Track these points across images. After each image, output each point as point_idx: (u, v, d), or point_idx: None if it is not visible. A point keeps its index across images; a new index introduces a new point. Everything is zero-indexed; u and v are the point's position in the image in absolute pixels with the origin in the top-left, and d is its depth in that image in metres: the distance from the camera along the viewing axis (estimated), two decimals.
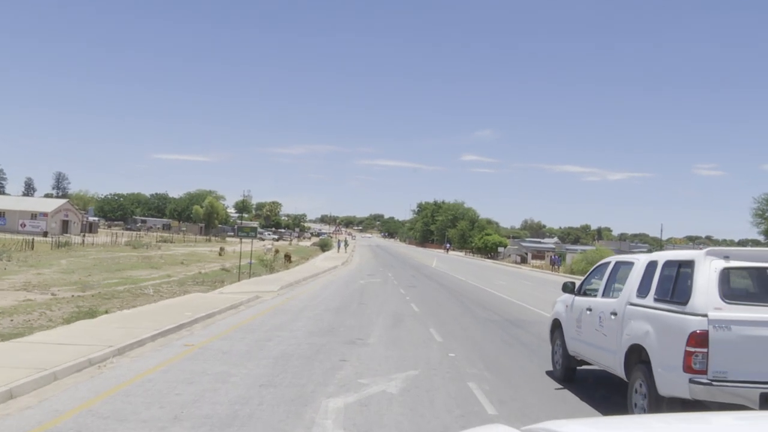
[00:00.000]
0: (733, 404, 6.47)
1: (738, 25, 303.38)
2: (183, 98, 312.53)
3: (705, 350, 6.51)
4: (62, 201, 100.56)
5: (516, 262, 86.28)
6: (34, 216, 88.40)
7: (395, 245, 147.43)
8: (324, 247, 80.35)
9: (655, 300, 7.50)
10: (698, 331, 6.54)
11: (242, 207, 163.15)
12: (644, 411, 7.21)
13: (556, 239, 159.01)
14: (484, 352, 12.21)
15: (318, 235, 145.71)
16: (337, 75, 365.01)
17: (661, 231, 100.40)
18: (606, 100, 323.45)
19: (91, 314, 16.74)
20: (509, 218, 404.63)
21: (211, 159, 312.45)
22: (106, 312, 17.21)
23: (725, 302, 6.68)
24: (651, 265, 8.00)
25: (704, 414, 3.48)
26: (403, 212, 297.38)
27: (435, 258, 75.60)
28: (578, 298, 9.88)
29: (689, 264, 7.16)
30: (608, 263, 9.56)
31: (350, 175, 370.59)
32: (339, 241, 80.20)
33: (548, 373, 10.69)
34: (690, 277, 6.99)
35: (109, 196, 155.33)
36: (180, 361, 9.89)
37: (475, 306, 21.69)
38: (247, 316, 15.87)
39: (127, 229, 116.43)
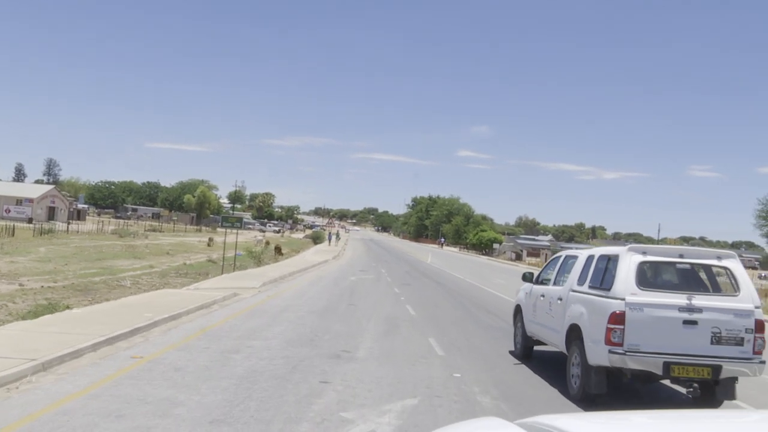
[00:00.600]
0: (644, 371, 7.97)
1: (735, 28, 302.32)
2: (178, 88, 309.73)
3: (622, 327, 7.87)
4: (49, 187, 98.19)
5: (511, 259, 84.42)
6: (19, 202, 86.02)
7: (389, 239, 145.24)
8: (316, 239, 78.33)
9: (590, 287, 8.88)
10: (617, 312, 7.92)
11: (235, 198, 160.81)
12: (578, 378, 8.58)
13: (550, 237, 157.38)
14: (496, 371, 10.19)
15: (311, 227, 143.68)
16: (334, 69, 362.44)
17: (659, 230, 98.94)
18: (601, 100, 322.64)
19: (51, 309, 14.88)
20: (503, 215, 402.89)
21: (205, 149, 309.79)
22: (68, 307, 15.33)
23: (640, 289, 8.03)
24: (589, 259, 9.38)
25: (703, 411, 3.47)
26: (398, 206, 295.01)
27: (429, 253, 73.66)
28: (535, 287, 11.30)
29: (615, 258, 8.53)
30: (560, 257, 11.05)
31: (345, 169, 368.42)
32: (330, 233, 78.01)
33: (510, 352, 12.04)
34: (615, 268, 8.36)
35: (100, 184, 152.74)
36: (118, 382, 7.84)
37: (476, 309, 19.69)
38: (218, 318, 13.79)
39: (117, 218, 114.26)
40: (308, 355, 10.23)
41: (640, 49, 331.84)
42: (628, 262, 8.28)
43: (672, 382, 8.54)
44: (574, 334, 8.96)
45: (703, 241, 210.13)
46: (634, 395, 9.16)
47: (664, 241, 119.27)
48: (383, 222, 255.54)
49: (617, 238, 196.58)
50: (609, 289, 8.27)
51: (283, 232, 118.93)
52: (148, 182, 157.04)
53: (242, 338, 11.39)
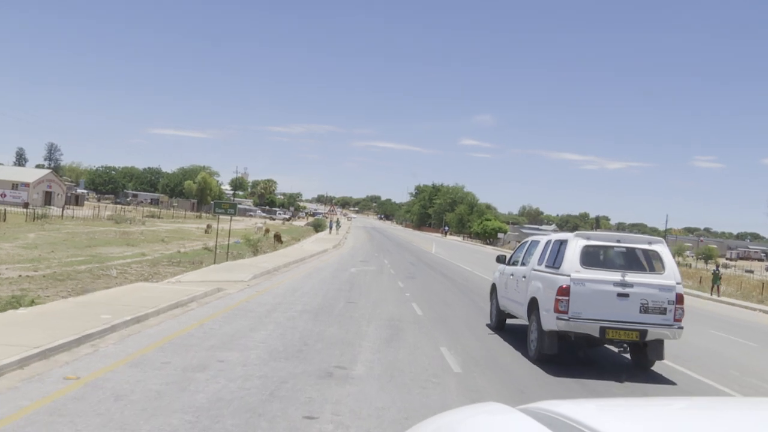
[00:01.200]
0: (585, 334, 9.72)
1: (739, 17, 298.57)
2: (182, 74, 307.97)
3: (567, 298, 9.58)
4: (45, 171, 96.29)
5: None
6: (15, 186, 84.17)
7: (391, 228, 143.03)
8: (318, 227, 76.38)
9: (546, 266, 10.46)
10: (564, 286, 9.63)
11: (237, 184, 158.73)
12: (535, 342, 10.25)
13: (554, 226, 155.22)
14: (528, 393, 8.19)
15: (313, 214, 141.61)
16: (338, 55, 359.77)
17: (666, 221, 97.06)
18: (605, 89, 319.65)
19: (15, 304, 13.03)
20: (507, 204, 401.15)
21: (209, 136, 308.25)
22: (33, 302, 13.45)
23: (583, 267, 9.73)
24: (548, 243, 10.96)
25: (697, 398, 3.66)
26: (401, 194, 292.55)
27: (433, 243, 71.66)
28: (507, 267, 13.00)
29: (565, 242, 10.17)
30: (527, 241, 12.71)
31: (348, 156, 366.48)
32: (331, 221, 75.98)
33: (487, 325, 13.84)
34: (564, 250, 9.99)
35: (101, 169, 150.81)
36: (29, 420, 5.82)
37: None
38: (193, 320, 11.73)
39: (116, 203, 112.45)
40: (293, 373, 8.20)
41: (643, 38, 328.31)
42: (575, 245, 9.93)
43: (607, 344, 10.24)
44: (533, 305, 10.57)
45: (708, 232, 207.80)
46: (585, 358, 10.87)
47: (668, 231, 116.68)
48: (386, 210, 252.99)
49: (621, 229, 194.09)
50: (558, 268, 9.92)
51: (287, 219, 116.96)
52: (149, 168, 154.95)
53: (215, 348, 9.36)
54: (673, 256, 10.10)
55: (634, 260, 10.20)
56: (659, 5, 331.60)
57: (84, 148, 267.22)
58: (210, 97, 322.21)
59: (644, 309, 9.53)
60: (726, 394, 9.29)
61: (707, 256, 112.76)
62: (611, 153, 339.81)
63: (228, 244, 30.21)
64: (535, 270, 10.90)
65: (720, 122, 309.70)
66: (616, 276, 9.62)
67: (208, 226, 57.60)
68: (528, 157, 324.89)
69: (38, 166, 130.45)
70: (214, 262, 25.13)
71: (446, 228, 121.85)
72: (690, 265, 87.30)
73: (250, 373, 8.05)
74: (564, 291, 9.54)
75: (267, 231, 53.47)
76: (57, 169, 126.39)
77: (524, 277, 11.38)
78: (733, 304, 28.30)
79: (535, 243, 11.82)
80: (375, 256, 38.71)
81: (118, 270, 21.73)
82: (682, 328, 9.67)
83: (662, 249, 10.10)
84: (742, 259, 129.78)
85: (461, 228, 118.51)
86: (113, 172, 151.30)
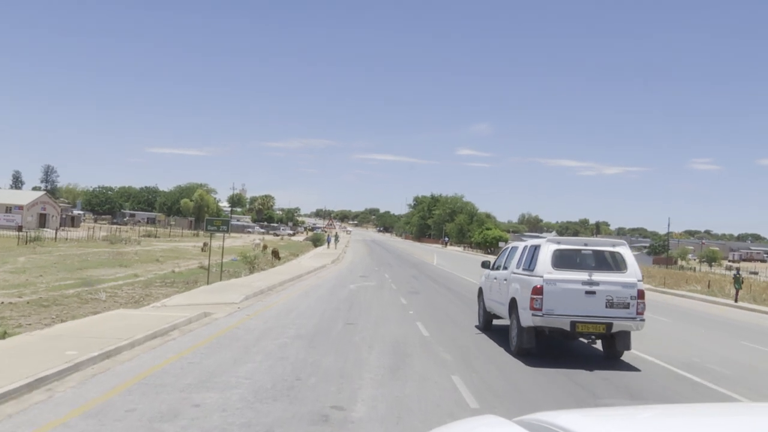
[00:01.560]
0: (558, 328, 10.80)
1: (735, 19, 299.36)
2: (178, 92, 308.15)
3: (541, 297, 10.64)
4: (39, 193, 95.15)
5: None
6: (8, 209, 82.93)
7: (391, 240, 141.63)
8: (316, 242, 75.22)
9: (523, 269, 11.69)
10: (538, 286, 10.69)
11: (235, 201, 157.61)
12: (515, 337, 11.45)
13: (554, 233, 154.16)
14: None
15: (312, 229, 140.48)
16: (334, 68, 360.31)
17: (669, 225, 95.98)
18: (600, 94, 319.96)
19: None
20: (506, 212, 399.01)
21: (206, 153, 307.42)
22: (5, 334, 12.25)
23: (554, 269, 10.81)
24: (525, 248, 12.32)
25: (697, 405, 3.42)
26: (399, 206, 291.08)
27: (434, 254, 70.41)
28: (491, 272, 14.22)
29: (539, 247, 11.37)
30: (508, 248, 13.86)
31: (346, 169, 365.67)
32: (329, 236, 74.72)
33: (476, 326, 14.87)
34: (538, 254, 11.13)
35: (98, 190, 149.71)
36: None
37: (501, 322, 16.36)
38: (171, 352, 10.38)
39: (113, 223, 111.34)
40: (281, 419, 6.88)
41: (639, 42, 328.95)
42: (547, 249, 11.02)
43: (578, 337, 11.18)
44: (513, 305, 11.62)
45: (708, 235, 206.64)
46: (561, 350, 12.07)
47: (670, 235, 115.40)
48: (385, 222, 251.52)
49: (621, 234, 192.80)
50: (533, 270, 11.00)
51: (282, 235, 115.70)
52: (146, 187, 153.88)
53: (191, 388, 8.03)
54: (677, 261, 10.61)
55: (600, 261, 11.15)
56: (654, 9, 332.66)
57: (81, 169, 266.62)
58: (206, 115, 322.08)
59: (609, 304, 10.58)
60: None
61: (710, 259, 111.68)
62: (609, 158, 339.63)
63: (221, 262, 28.97)
64: (514, 273, 12.08)
65: (714, 124, 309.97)
66: (583, 276, 10.68)
67: (205, 244, 56.31)
68: (526, 165, 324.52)
69: (35, 189, 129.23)
70: (207, 282, 23.91)
71: (446, 238, 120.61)
72: (694, 269, 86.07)
73: (229, 420, 6.73)
74: (538, 290, 10.62)
75: (265, 247, 52.27)
76: (53, 191, 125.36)
77: (505, 279, 12.54)
78: (754, 310, 26.92)
79: (515, 249, 13.02)
80: (375, 270, 37.41)
81: (108, 293, 20.55)
82: (644, 320, 10.77)
83: (624, 251, 11.19)
84: (744, 260, 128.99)
85: (461, 238, 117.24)
86: (110, 192, 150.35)
